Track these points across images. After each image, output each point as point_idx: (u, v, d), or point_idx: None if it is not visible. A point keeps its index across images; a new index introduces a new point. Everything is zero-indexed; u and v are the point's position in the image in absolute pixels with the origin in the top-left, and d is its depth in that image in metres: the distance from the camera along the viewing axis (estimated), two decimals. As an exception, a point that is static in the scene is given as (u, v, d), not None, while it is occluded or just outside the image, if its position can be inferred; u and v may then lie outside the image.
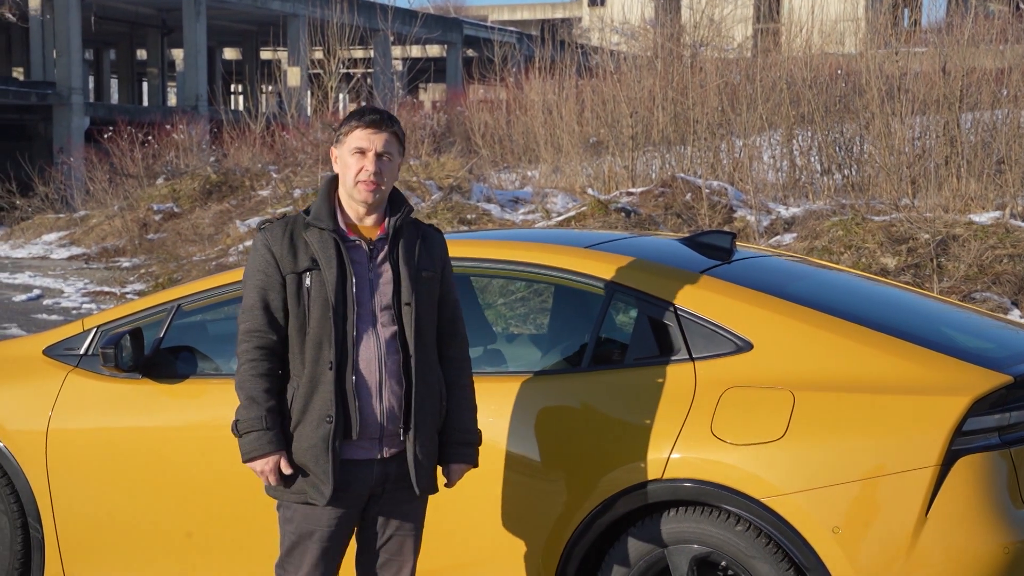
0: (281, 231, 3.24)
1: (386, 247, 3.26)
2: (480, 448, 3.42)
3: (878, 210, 10.96)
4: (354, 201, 3.26)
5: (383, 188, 3.25)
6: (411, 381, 3.23)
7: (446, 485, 3.38)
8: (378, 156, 3.23)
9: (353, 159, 3.23)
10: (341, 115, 24.28)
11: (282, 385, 3.23)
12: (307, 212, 3.28)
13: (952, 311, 4.37)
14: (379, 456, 3.24)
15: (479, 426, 3.42)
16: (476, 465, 3.41)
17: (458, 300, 3.43)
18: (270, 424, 3.16)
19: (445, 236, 3.46)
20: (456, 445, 3.35)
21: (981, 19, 13.81)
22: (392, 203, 3.32)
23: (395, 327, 3.23)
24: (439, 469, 3.36)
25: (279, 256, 3.21)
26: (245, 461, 3.20)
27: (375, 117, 3.25)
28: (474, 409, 3.41)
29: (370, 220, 3.28)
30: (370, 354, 3.20)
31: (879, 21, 15.21)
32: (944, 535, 3.18)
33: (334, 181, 3.33)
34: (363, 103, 26.01)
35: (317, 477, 3.17)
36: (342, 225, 3.26)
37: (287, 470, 3.17)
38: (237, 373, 3.23)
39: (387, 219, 3.29)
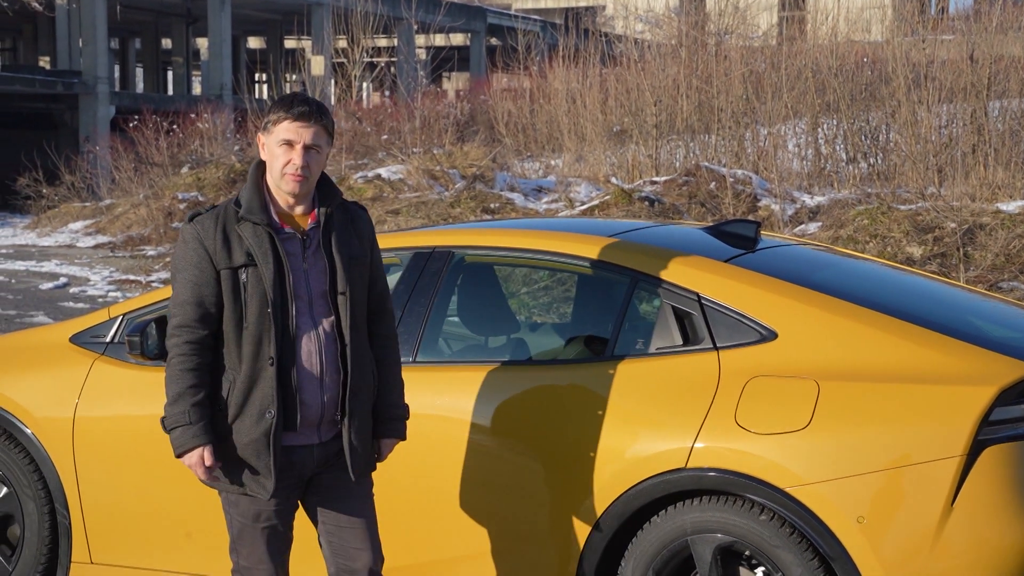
0: (213, 224, 3.18)
1: (318, 236, 3.24)
2: (492, 436, 3.42)
3: (904, 199, 10.90)
4: (281, 191, 3.23)
5: (310, 180, 3.22)
6: (347, 370, 3.22)
7: (377, 459, 3.37)
8: (306, 149, 3.19)
9: (280, 150, 3.19)
10: (365, 104, 24.32)
11: (212, 378, 3.21)
12: (237, 203, 3.23)
13: (979, 300, 4.34)
14: (317, 441, 3.25)
15: (493, 412, 3.42)
16: (404, 438, 3.39)
17: (386, 278, 3.42)
18: (195, 418, 3.15)
19: (371, 220, 3.42)
20: (387, 421, 3.34)
21: (1010, 6, 13.68)
22: (321, 190, 3.29)
23: (332, 317, 3.22)
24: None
25: (212, 251, 3.16)
26: (177, 456, 3.19)
27: (304, 109, 3.19)
28: (401, 385, 3.40)
29: (300, 209, 3.25)
30: (311, 346, 3.19)
31: (906, 8, 15.09)
32: (970, 525, 3.16)
33: (261, 168, 3.28)
34: (386, 93, 26.03)
35: (259, 471, 3.17)
36: (275, 217, 3.23)
37: (209, 462, 3.16)
38: (167, 367, 3.20)
39: (317, 208, 3.26)
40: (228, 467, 3.20)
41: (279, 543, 3.28)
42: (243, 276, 3.15)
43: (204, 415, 3.16)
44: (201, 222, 3.20)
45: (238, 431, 3.17)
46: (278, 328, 3.14)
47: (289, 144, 3.18)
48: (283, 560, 3.31)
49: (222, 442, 3.19)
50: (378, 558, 3.32)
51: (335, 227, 3.26)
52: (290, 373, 3.16)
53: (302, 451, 3.23)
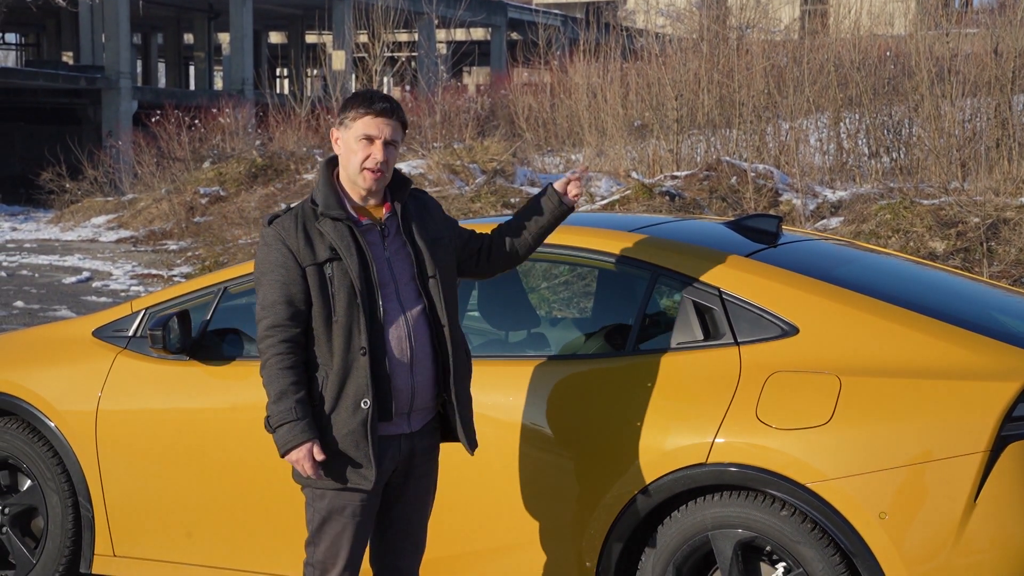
0: (293, 224, 3.23)
1: (397, 224, 3.30)
2: (516, 431, 3.46)
3: (927, 193, 10.83)
4: (356, 186, 3.28)
5: (386, 175, 3.28)
6: (447, 351, 3.29)
7: (574, 187, 3.44)
8: (385, 144, 3.24)
9: (359, 145, 3.24)
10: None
11: (309, 375, 3.24)
12: (313, 201, 3.28)
13: (1002, 295, 4.31)
14: (408, 431, 3.29)
15: (520, 409, 3.44)
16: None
17: (468, 229, 3.52)
18: (300, 414, 3.18)
19: (436, 200, 3.50)
20: (542, 196, 3.46)
21: (1034, -1, 13.55)
22: (392, 180, 3.35)
23: (421, 302, 3.28)
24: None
25: (295, 249, 3.21)
26: (283, 455, 3.21)
27: (385, 106, 3.25)
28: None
29: (373, 201, 3.32)
30: (400, 333, 3.24)
31: (929, 2, 14.99)
32: (992, 522, 3.15)
33: (332, 164, 3.33)
34: (407, 88, 26.05)
35: (359, 462, 3.20)
36: (351, 211, 3.28)
37: (320, 456, 3.19)
38: (264, 368, 3.23)
39: (391, 198, 3.32)
40: (327, 462, 3.22)
41: (359, 538, 3.30)
42: (328, 271, 3.20)
43: (308, 411, 3.20)
44: (281, 223, 3.25)
45: (335, 424, 3.21)
46: (367, 318, 3.19)
47: (369, 139, 3.24)
48: (359, 557, 3.32)
49: (322, 437, 3.21)
50: (420, 561, 3.42)
51: (412, 214, 3.33)
52: (383, 362, 3.21)
53: (393, 441, 3.28)
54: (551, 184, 3.51)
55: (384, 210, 3.31)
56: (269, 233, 3.26)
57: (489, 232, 3.53)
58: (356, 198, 3.30)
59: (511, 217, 3.56)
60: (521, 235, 3.50)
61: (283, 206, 3.39)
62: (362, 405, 3.18)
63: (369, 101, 3.26)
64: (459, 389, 3.32)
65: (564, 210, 3.49)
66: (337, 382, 3.20)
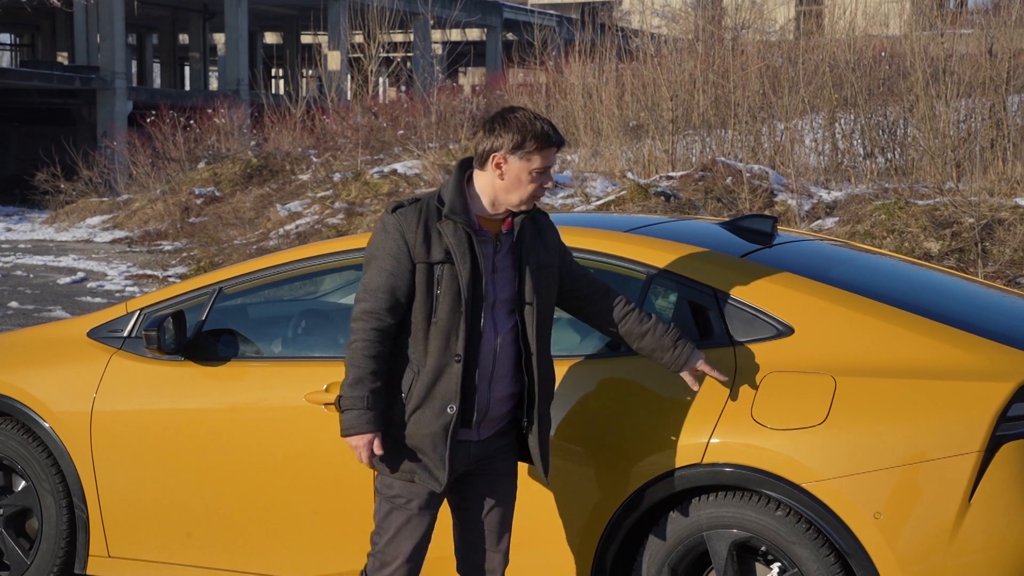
0: (416, 219, 3.24)
1: (511, 242, 3.32)
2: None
3: (922, 194, 10.84)
4: (510, 204, 3.28)
5: None
6: (533, 377, 3.32)
7: (721, 374, 3.40)
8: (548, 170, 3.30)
9: (536, 175, 3.25)
10: (381, 99, 24.30)
11: (389, 367, 3.26)
12: (439, 200, 3.28)
13: (997, 296, 4.32)
14: (476, 439, 3.34)
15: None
16: (703, 355, 3.44)
17: (584, 266, 3.52)
18: (371, 405, 3.21)
19: (554, 224, 3.50)
20: (679, 343, 3.41)
21: (1029, 0, 13.57)
22: None
23: (513, 320, 3.31)
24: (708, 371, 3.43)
25: (412, 244, 3.22)
26: (343, 435, 3.26)
27: (559, 138, 3.29)
28: (659, 322, 3.47)
29: (499, 215, 3.33)
30: (488, 346, 3.28)
31: (924, 2, 15.01)
32: (987, 522, 3.15)
33: (465, 167, 3.34)
34: (402, 88, 26.04)
35: (432, 463, 3.25)
36: (474, 218, 3.30)
37: (379, 451, 3.24)
38: (349, 348, 3.26)
39: (513, 216, 3.32)
40: (401, 455, 3.27)
41: (422, 535, 3.34)
42: (438, 272, 3.22)
43: (379, 404, 3.23)
44: (404, 214, 3.26)
45: (417, 422, 3.24)
46: (468, 327, 3.22)
47: (544, 171, 3.26)
48: (419, 553, 3.36)
49: (398, 430, 3.25)
50: (507, 561, 3.45)
51: (527, 236, 3.35)
52: (473, 371, 3.25)
53: (462, 446, 3.31)
54: (695, 362, 3.43)
55: (504, 226, 3.33)
56: (390, 221, 3.26)
57: (613, 296, 3.47)
58: (489, 208, 3.30)
59: (648, 315, 3.47)
60: (629, 331, 3.45)
61: (410, 198, 3.37)
62: (448, 410, 3.22)
63: (548, 136, 3.25)
64: (541, 417, 3.36)
65: (672, 363, 3.43)
66: (427, 383, 3.23)
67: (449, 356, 3.22)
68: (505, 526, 3.44)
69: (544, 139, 3.23)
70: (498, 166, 3.26)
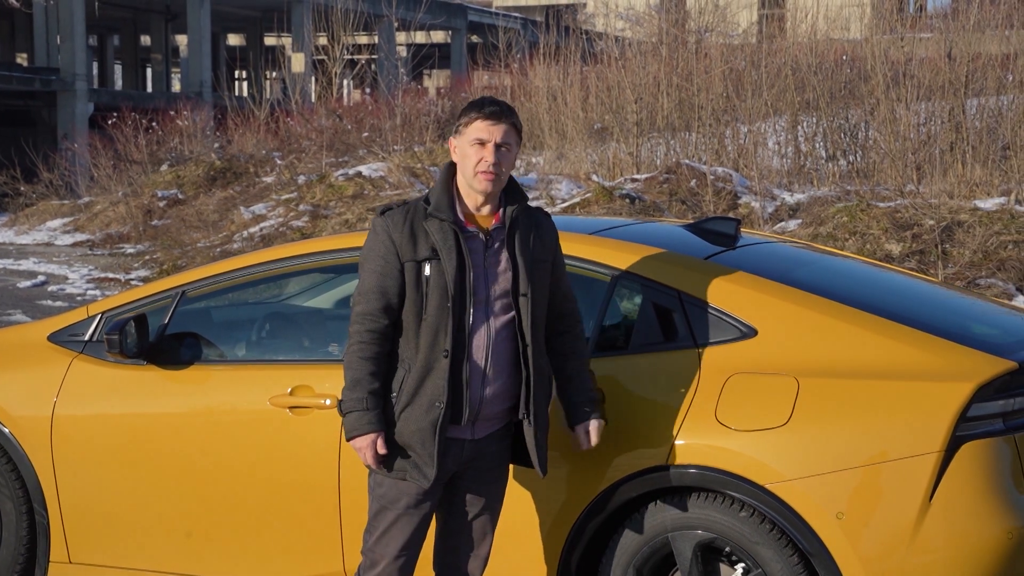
0: (402, 219, 3.29)
1: (502, 236, 3.33)
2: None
3: (883, 196, 10.94)
4: (473, 191, 3.32)
5: (501, 178, 3.32)
6: (529, 369, 3.32)
7: (592, 445, 3.42)
8: (497, 147, 3.29)
9: (472, 150, 3.30)
10: (345, 101, 24.25)
11: (387, 367, 3.29)
12: (426, 200, 3.33)
13: (957, 297, 4.36)
14: (471, 437, 3.33)
15: None
16: (606, 421, 3.46)
17: (568, 280, 3.52)
18: (371, 405, 3.24)
19: (554, 225, 3.50)
20: (586, 404, 3.42)
21: (987, 5, 13.75)
22: (508, 192, 3.39)
23: (509, 315, 3.32)
24: (577, 433, 3.44)
25: (399, 244, 3.27)
26: (348, 439, 3.28)
27: (495, 109, 3.32)
28: (592, 374, 3.49)
29: (486, 209, 3.35)
30: (481, 342, 3.28)
31: (884, 7, 15.15)
32: (948, 521, 3.18)
33: (452, 169, 3.39)
34: (367, 90, 25.98)
35: (421, 459, 3.26)
36: (460, 215, 3.32)
37: (382, 450, 3.26)
38: (346, 353, 3.30)
39: (503, 208, 3.35)
40: (392, 453, 3.28)
41: (412, 534, 3.34)
42: (426, 269, 3.25)
43: (379, 403, 3.26)
44: (391, 216, 3.31)
45: (407, 418, 3.25)
46: (455, 322, 3.23)
47: (481, 143, 3.29)
48: (411, 550, 3.36)
49: (389, 428, 3.27)
50: (485, 565, 3.44)
51: (520, 229, 3.35)
52: (462, 367, 3.25)
53: (455, 444, 3.31)
54: (587, 424, 3.42)
55: (494, 220, 3.35)
56: (378, 223, 3.32)
57: (569, 325, 3.46)
58: (471, 204, 3.34)
59: (581, 350, 3.48)
60: (559, 367, 3.44)
61: (400, 201, 3.41)
62: (436, 405, 3.24)
63: (480, 106, 3.33)
64: (538, 411, 3.34)
65: (571, 418, 3.44)
66: (417, 379, 3.25)
67: (437, 352, 3.24)
68: (488, 531, 3.44)
69: (476, 107, 3.32)
70: (453, 150, 3.36)
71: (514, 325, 3.32)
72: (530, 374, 3.33)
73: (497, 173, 3.29)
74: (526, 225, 3.38)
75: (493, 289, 3.31)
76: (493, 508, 3.45)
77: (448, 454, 3.30)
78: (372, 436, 3.25)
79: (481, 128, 3.30)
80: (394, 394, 3.28)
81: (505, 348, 3.32)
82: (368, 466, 3.33)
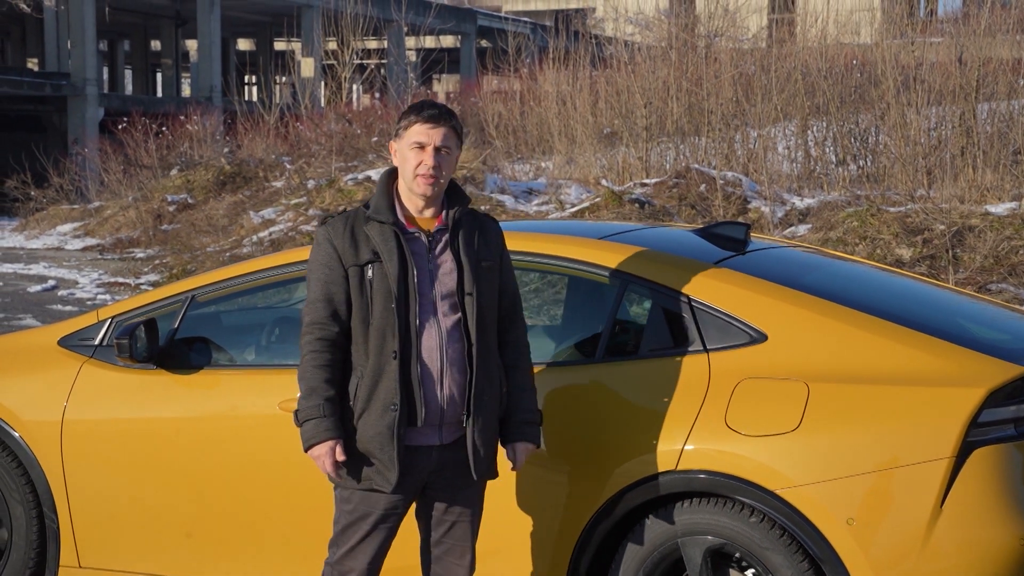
0: (343, 225, 3.31)
1: (445, 237, 3.33)
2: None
3: (893, 201, 10.92)
4: (413, 194, 3.33)
5: (441, 182, 3.32)
6: (473, 369, 3.29)
7: (514, 468, 3.42)
8: (436, 150, 3.30)
9: (412, 153, 3.30)
10: (355, 106, 24.29)
11: (343, 375, 3.30)
12: (367, 205, 3.35)
13: (968, 302, 4.35)
14: (438, 443, 3.31)
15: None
16: (539, 445, 3.45)
17: (516, 286, 3.51)
18: (327, 412, 3.24)
19: (501, 230, 3.49)
20: (519, 424, 3.41)
21: (998, 9, 13.72)
22: (450, 195, 3.39)
23: (457, 315, 3.31)
24: (503, 452, 3.42)
25: (341, 250, 3.28)
26: (305, 449, 3.27)
27: (434, 112, 3.32)
28: (534, 390, 3.47)
29: (429, 212, 3.36)
30: (432, 343, 3.27)
31: (895, 11, 15.13)
32: (959, 527, 3.17)
33: (392, 174, 3.40)
34: (376, 95, 26.02)
35: (383, 464, 3.25)
36: (401, 218, 3.33)
37: (340, 457, 3.24)
38: (300, 364, 3.31)
39: (446, 211, 3.35)
40: (353, 463, 3.27)
41: (380, 547, 3.34)
42: (369, 273, 3.26)
43: (336, 410, 3.26)
44: (332, 224, 3.33)
45: (364, 425, 3.25)
46: (402, 323, 3.23)
47: (420, 147, 3.29)
48: (377, 564, 3.36)
49: (349, 438, 3.26)
50: (471, 573, 3.42)
51: (463, 231, 3.35)
52: (412, 368, 3.25)
53: (422, 452, 3.30)
54: (522, 447, 3.40)
55: (436, 222, 3.35)
56: (320, 232, 3.34)
57: (512, 323, 3.44)
58: (412, 208, 3.35)
59: (523, 363, 3.44)
60: (507, 367, 3.41)
61: (341, 210, 3.42)
62: (391, 408, 3.23)
63: (419, 109, 3.34)
64: (479, 412, 3.30)
65: (508, 429, 3.40)
66: (369, 384, 3.25)
67: (387, 354, 3.23)
68: (469, 540, 3.41)
69: (416, 110, 3.32)
70: (394, 154, 3.37)
71: (463, 325, 3.31)
72: (473, 375, 3.29)
73: (436, 176, 3.29)
74: (470, 226, 3.37)
75: (439, 290, 3.30)
76: (472, 514, 3.41)
77: (417, 463, 3.28)
78: (330, 443, 3.23)
79: (420, 132, 3.30)
80: (351, 402, 3.27)
81: (458, 349, 3.30)
82: (328, 475, 3.29)
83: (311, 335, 3.28)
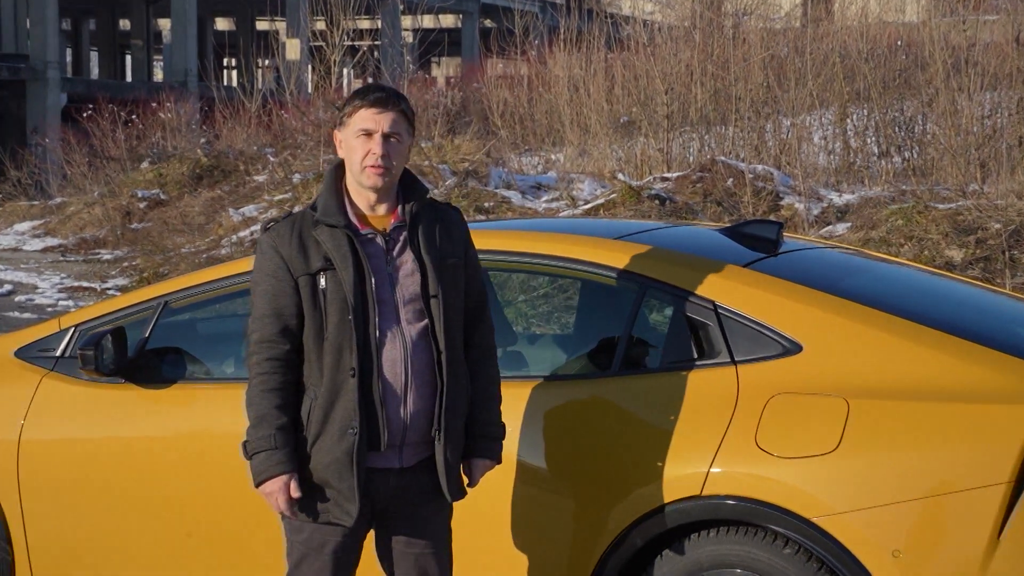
0: (288, 231, 3.27)
1: (404, 236, 3.30)
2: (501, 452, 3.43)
3: (943, 197, 10.92)
4: (363, 188, 3.30)
5: (393, 172, 3.28)
6: (443, 379, 3.27)
7: (469, 485, 3.41)
8: (385, 138, 3.26)
9: (359, 142, 3.27)
10: (346, 92, 24.35)
11: (296, 399, 3.26)
12: (313, 207, 3.31)
13: (1026, 310, 4.34)
14: (398, 466, 3.29)
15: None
16: (499, 462, 3.44)
17: (483, 283, 3.48)
18: (280, 443, 3.20)
19: (464, 220, 3.47)
20: (480, 439, 3.39)
21: (1059, -17, 13.72)
22: (405, 187, 3.36)
23: (423, 322, 3.28)
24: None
25: (288, 258, 3.24)
26: (256, 485, 3.23)
27: (380, 95, 3.28)
28: (499, 400, 3.45)
29: (382, 208, 3.32)
30: (395, 355, 3.24)
31: (944, -14, 15.13)
32: (1018, 561, 3.16)
33: (339, 168, 3.36)
34: (369, 80, 26.09)
35: (341, 495, 3.21)
36: (353, 218, 3.30)
37: (296, 493, 3.21)
38: (247, 388, 3.26)
39: (401, 205, 3.32)
40: (308, 494, 3.23)
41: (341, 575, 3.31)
42: (321, 282, 3.22)
43: (289, 440, 3.22)
44: (276, 230, 3.29)
45: (319, 451, 3.22)
46: (360, 337, 3.20)
47: (367, 134, 3.26)
48: None
49: (303, 467, 3.23)
50: None
51: (423, 226, 3.31)
52: (373, 386, 3.21)
53: (380, 475, 3.27)
54: (472, 461, 3.39)
55: (392, 219, 3.32)
56: (264, 240, 3.30)
57: (476, 326, 3.42)
58: (363, 205, 3.32)
59: (488, 371, 3.43)
60: (471, 374, 3.37)
61: (284, 214, 3.39)
62: (349, 432, 3.19)
63: (364, 93, 3.30)
64: (449, 426, 3.29)
65: (467, 444, 3.38)
66: (324, 405, 3.21)
67: (343, 372, 3.20)
68: (439, 565, 3.36)
69: (361, 95, 3.29)
70: (339, 145, 3.34)
71: (429, 333, 3.28)
72: (444, 386, 3.27)
73: (387, 166, 3.25)
74: (430, 220, 3.34)
75: (401, 295, 3.27)
76: (440, 547, 3.37)
77: (374, 488, 3.25)
78: (283, 479, 3.20)
79: (366, 117, 3.26)
80: (304, 427, 3.23)
81: (424, 359, 3.27)
82: (281, 513, 3.26)
83: (259, 355, 3.23)
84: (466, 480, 3.40)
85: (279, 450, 3.19)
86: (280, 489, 3.20)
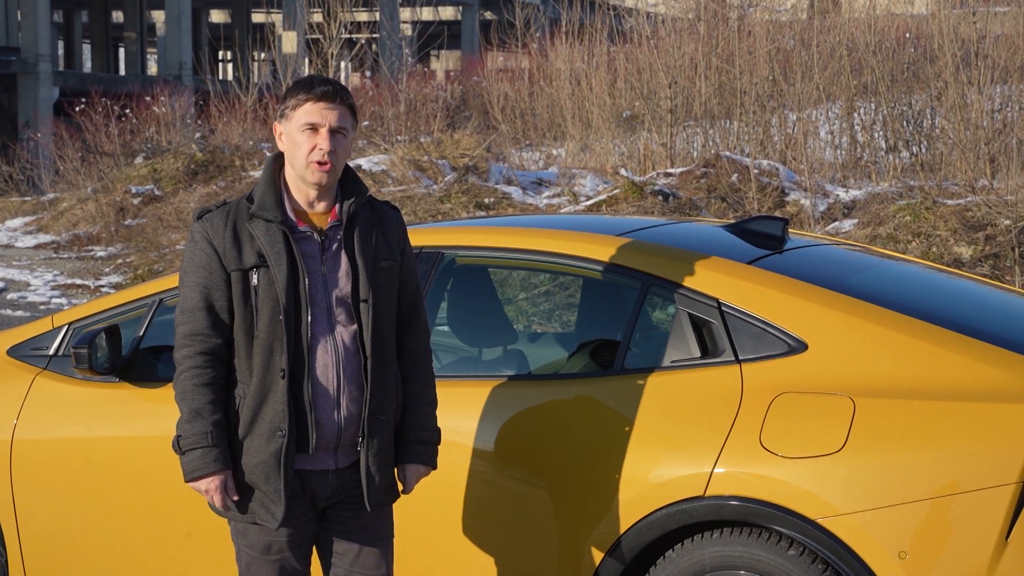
0: (223, 222, 3.24)
1: (340, 236, 3.28)
2: (487, 460, 3.42)
3: (951, 192, 10.92)
4: (304, 184, 3.27)
5: (337, 168, 3.26)
6: (368, 385, 3.25)
7: (403, 491, 3.40)
8: (332, 132, 3.23)
9: (303, 136, 3.23)
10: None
11: (228, 393, 3.25)
12: (250, 198, 3.28)
13: (1035, 307, 4.35)
14: (334, 467, 3.28)
15: (494, 435, 3.42)
16: (435, 467, 3.43)
17: (419, 286, 3.47)
18: (215, 440, 3.19)
19: (403, 221, 3.45)
20: (413, 444, 3.37)
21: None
22: (344, 185, 3.33)
23: (354, 326, 3.26)
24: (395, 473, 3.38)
25: (221, 251, 3.21)
26: (187, 481, 3.23)
27: (327, 89, 3.24)
28: (434, 405, 3.43)
29: (321, 206, 3.29)
30: (328, 358, 3.23)
31: (953, -23, 15.12)
32: (1025, 562, 3.17)
33: (278, 161, 3.33)
34: (367, 73, 26.09)
35: (268, 496, 3.21)
36: (290, 214, 3.27)
37: (234, 495, 3.22)
38: (177, 382, 3.24)
39: (340, 204, 3.30)
40: (242, 494, 3.24)
41: None
42: (254, 279, 3.20)
43: (225, 436, 3.22)
44: (210, 219, 3.26)
45: (247, 451, 3.22)
46: (291, 337, 3.19)
47: (313, 128, 3.23)
48: None
49: (235, 467, 3.23)
50: None
51: (359, 227, 3.29)
52: (304, 388, 3.20)
53: (316, 477, 3.27)
54: (406, 468, 3.37)
55: (330, 218, 3.29)
56: (196, 229, 3.26)
57: (411, 328, 3.40)
58: (302, 201, 3.29)
59: (423, 375, 3.41)
60: (404, 378, 3.37)
61: (219, 202, 3.36)
62: (277, 434, 3.19)
63: (309, 85, 3.25)
64: (373, 429, 3.26)
65: (401, 449, 3.36)
66: (253, 405, 3.21)
67: (274, 372, 3.19)
68: (382, 567, 3.35)
69: (306, 87, 3.24)
70: (280, 137, 3.30)
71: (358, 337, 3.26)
72: (369, 392, 3.25)
73: (332, 163, 3.23)
74: (367, 221, 3.32)
75: (334, 297, 3.25)
76: (381, 542, 3.35)
77: (309, 489, 3.25)
78: (220, 476, 3.19)
79: (312, 111, 3.22)
80: (232, 422, 3.23)
81: (356, 363, 3.25)
82: (215, 510, 3.26)
83: (190, 348, 3.21)
84: (401, 486, 3.39)
85: (215, 447, 3.19)
86: (217, 487, 3.20)
